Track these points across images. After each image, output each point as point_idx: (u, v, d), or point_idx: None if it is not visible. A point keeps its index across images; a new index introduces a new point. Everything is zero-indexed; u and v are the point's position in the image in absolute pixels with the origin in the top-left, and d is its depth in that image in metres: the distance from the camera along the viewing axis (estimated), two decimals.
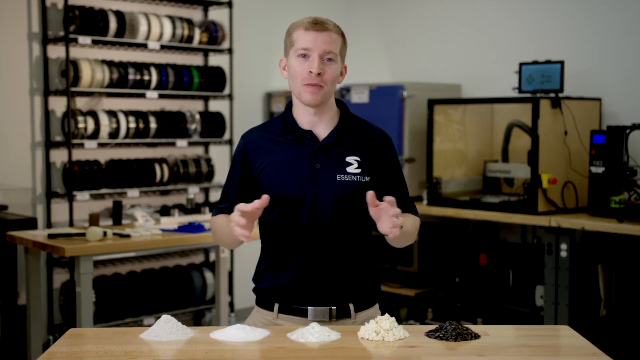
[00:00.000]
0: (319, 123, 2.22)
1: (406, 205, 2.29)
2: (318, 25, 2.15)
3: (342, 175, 2.18)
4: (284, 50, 2.24)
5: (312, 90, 2.14)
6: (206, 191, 5.47)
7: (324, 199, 2.16)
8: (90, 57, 4.74)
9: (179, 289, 4.99)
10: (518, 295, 4.57)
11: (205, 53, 5.43)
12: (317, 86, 2.14)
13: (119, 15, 4.75)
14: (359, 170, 2.19)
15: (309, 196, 2.16)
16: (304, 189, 2.16)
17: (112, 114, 4.76)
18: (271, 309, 2.23)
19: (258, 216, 2.05)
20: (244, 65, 5.65)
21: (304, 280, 2.18)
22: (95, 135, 4.68)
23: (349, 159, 2.20)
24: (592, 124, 4.43)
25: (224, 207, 2.31)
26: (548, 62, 4.38)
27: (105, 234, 3.73)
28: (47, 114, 4.69)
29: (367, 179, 2.20)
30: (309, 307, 2.18)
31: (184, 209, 4.62)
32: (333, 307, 2.19)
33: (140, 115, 4.88)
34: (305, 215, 2.16)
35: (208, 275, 5.14)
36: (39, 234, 3.88)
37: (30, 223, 4.21)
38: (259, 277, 2.28)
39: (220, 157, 5.43)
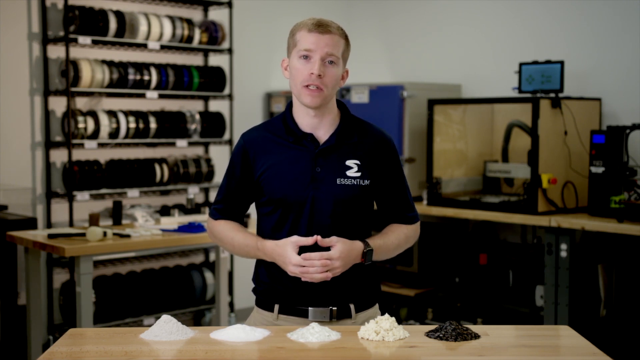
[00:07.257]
0: (319, 126, 2.21)
1: (403, 210, 2.29)
2: (321, 27, 2.14)
3: (342, 179, 2.17)
4: (286, 50, 2.23)
5: (311, 93, 2.14)
6: (206, 191, 5.47)
7: (325, 202, 2.16)
8: (90, 57, 4.74)
9: (179, 289, 4.99)
10: (518, 295, 4.56)
11: (205, 53, 5.42)
12: (317, 89, 2.14)
13: (119, 15, 4.75)
14: (358, 174, 2.19)
15: (310, 200, 2.16)
16: (304, 192, 2.16)
17: (112, 114, 4.76)
18: (271, 310, 2.22)
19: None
20: (244, 65, 5.65)
21: (304, 282, 2.17)
22: (95, 135, 4.68)
23: (349, 162, 2.19)
24: (592, 124, 4.43)
25: (222, 208, 2.31)
26: (548, 62, 4.38)
27: (105, 234, 3.74)
28: (47, 114, 4.69)
29: (367, 182, 2.19)
30: (309, 308, 2.18)
31: (184, 209, 4.62)
32: (334, 308, 2.19)
33: (140, 115, 4.88)
34: (305, 219, 2.16)
35: (208, 275, 5.14)
36: (39, 234, 3.88)
37: (30, 223, 4.21)
38: (258, 278, 2.27)
39: (220, 157, 5.43)
